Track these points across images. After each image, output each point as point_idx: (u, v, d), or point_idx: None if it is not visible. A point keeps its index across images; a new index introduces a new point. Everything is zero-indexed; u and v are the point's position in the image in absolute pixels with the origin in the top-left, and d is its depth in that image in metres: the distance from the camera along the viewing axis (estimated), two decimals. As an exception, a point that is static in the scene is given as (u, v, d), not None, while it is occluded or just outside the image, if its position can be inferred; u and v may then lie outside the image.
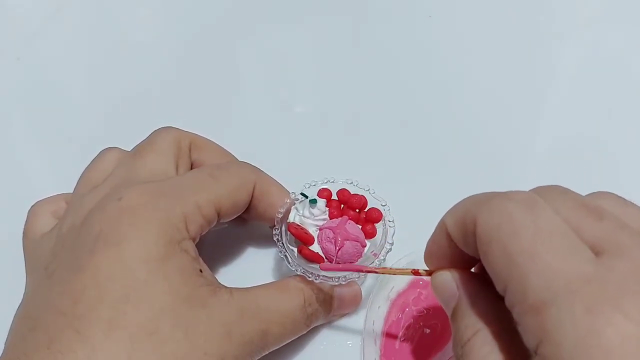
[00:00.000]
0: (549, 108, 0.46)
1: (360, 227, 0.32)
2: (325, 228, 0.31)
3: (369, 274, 0.34)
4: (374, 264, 0.30)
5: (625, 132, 0.43)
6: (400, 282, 0.34)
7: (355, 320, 0.34)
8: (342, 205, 0.33)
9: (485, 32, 0.51)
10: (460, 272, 0.24)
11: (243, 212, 0.33)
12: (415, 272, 0.27)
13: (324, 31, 0.52)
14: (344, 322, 0.34)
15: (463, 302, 0.23)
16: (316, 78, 0.49)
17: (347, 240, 0.30)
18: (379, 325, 0.33)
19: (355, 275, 0.31)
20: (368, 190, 0.33)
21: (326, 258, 0.31)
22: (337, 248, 0.30)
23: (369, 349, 0.32)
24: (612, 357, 0.16)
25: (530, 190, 0.22)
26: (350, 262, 0.30)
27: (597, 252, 0.19)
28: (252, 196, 0.32)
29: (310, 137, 0.44)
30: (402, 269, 0.28)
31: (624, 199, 0.22)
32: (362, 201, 0.32)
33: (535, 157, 0.43)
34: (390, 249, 0.31)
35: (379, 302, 0.33)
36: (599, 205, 0.21)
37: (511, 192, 0.21)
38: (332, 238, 0.30)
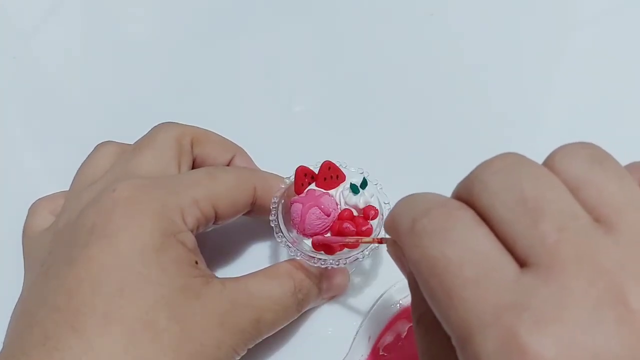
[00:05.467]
0: (554, 105, 0.45)
1: (336, 202, 0.32)
2: (296, 202, 0.31)
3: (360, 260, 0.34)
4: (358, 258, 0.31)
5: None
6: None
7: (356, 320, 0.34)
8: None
9: (486, 30, 0.50)
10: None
11: (248, 212, 0.33)
12: (380, 241, 0.27)
13: (324, 30, 0.51)
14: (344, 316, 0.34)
15: (410, 281, 0.23)
16: (316, 77, 0.48)
17: (314, 206, 0.30)
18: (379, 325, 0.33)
19: (359, 256, 0.31)
20: (376, 184, 0.33)
21: (294, 228, 0.31)
22: (301, 218, 0.30)
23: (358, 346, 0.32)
24: None
25: (470, 177, 0.20)
26: (317, 234, 0.31)
27: (527, 264, 0.17)
28: (255, 197, 0.32)
29: (309, 136, 0.43)
30: (368, 238, 0.29)
31: (597, 157, 0.19)
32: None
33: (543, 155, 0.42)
34: (378, 247, 0.31)
35: (387, 303, 0.33)
36: (540, 198, 0.18)
37: (431, 210, 0.20)
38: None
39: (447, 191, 0.23)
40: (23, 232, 0.33)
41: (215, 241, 0.36)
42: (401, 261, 0.24)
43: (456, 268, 0.18)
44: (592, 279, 0.16)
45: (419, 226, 0.19)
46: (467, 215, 0.19)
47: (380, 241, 0.27)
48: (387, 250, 0.25)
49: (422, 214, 0.20)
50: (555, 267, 0.17)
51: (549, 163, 0.19)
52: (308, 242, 0.31)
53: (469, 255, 0.18)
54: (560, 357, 0.15)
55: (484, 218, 0.19)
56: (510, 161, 0.19)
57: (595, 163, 0.19)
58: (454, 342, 0.18)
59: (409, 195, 0.22)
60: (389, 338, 0.32)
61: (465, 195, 0.20)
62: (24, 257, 0.32)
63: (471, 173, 0.20)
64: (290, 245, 0.30)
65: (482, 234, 0.18)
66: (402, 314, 0.33)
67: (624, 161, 0.20)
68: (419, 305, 0.22)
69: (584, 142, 0.20)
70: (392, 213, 0.22)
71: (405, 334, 0.33)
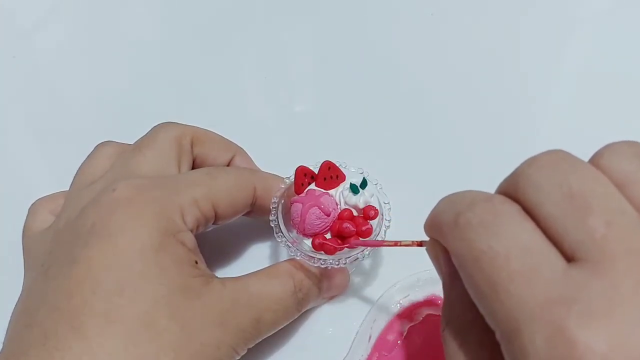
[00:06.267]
0: (554, 105, 0.45)
1: (336, 202, 0.32)
2: (296, 202, 0.31)
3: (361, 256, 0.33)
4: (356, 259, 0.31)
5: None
6: (417, 293, 0.34)
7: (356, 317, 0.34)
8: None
9: (486, 30, 0.50)
10: (444, 250, 0.23)
11: (248, 212, 0.33)
12: (419, 244, 0.26)
13: (324, 29, 0.51)
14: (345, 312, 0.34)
15: (445, 283, 0.23)
16: (316, 77, 0.48)
17: (314, 206, 0.30)
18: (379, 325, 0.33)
19: (358, 256, 0.31)
20: (376, 184, 0.33)
21: (294, 228, 0.31)
22: (301, 218, 0.30)
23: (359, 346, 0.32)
24: None
25: (516, 173, 0.20)
26: (317, 234, 0.31)
27: (575, 259, 0.17)
28: (255, 197, 0.32)
29: (309, 136, 0.43)
30: (407, 241, 0.27)
31: None
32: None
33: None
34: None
35: (387, 303, 0.33)
36: (588, 193, 0.18)
37: (475, 204, 0.20)
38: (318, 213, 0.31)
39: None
40: (23, 232, 0.33)
41: (215, 241, 0.36)
42: (439, 262, 0.23)
43: (503, 261, 0.18)
44: None
45: (463, 220, 0.20)
46: (513, 210, 0.19)
47: (420, 244, 0.26)
48: (426, 251, 0.25)
49: (466, 208, 0.20)
50: (605, 262, 0.17)
51: (595, 161, 0.19)
52: (308, 242, 0.31)
53: (516, 249, 0.18)
54: (611, 352, 0.15)
55: (530, 213, 0.19)
56: (557, 157, 0.20)
57: (637, 161, 0.19)
58: (498, 336, 0.18)
59: (450, 195, 0.22)
60: (389, 338, 0.32)
61: (511, 190, 0.20)
62: (24, 257, 0.32)
63: (516, 169, 0.20)
64: (290, 245, 0.30)
65: (529, 228, 0.19)
66: (402, 314, 0.33)
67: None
68: (451, 307, 0.22)
69: (630, 140, 0.20)
70: (433, 212, 0.22)
71: (405, 334, 0.33)
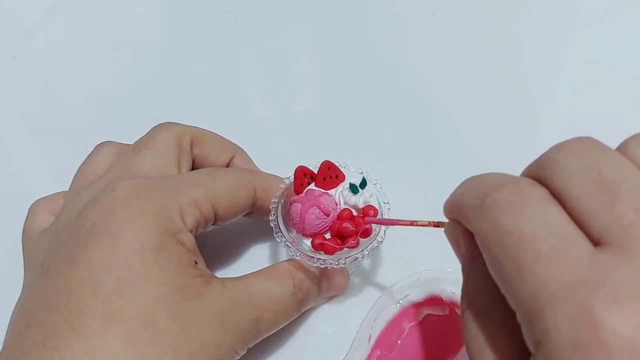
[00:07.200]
0: (554, 105, 0.45)
1: (336, 203, 0.32)
2: (295, 201, 0.31)
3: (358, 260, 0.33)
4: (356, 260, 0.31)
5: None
6: (417, 293, 0.33)
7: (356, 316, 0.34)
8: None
9: (486, 30, 0.50)
10: (464, 232, 0.23)
11: (248, 213, 0.33)
12: (436, 224, 0.26)
13: (324, 29, 0.51)
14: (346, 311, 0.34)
15: (465, 265, 0.23)
16: (316, 77, 0.48)
17: (313, 206, 0.30)
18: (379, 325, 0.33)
19: (358, 256, 0.31)
20: (376, 184, 0.33)
21: (293, 228, 0.31)
22: (301, 218, 0.30)
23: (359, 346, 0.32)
24: None
25: (544, 157, 0.20)
26: (317, 234, 0.31)
27: (602, 244, 0.18)
28: (256, 198, 0.32)
29: (309, 136, 0.43)
30: (423, 221, 0.28)
31: None
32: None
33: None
34: (378, 246, 0.31)
35: (387, 304, 0.33)
36: (617, 179, 0.18)
37: (502, 185, 0.20)
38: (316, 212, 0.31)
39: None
40: (23, 232, 0.33)
41: (215, 241, 0.36)
42: (458, 244, 0.24)
43: (529, 242, 0.18)
44: None
45: (490, 200, 0.20)
46: (540, 192, 0.19)
47: (437, 224, 0.26)
48: (445, 233, 0.25)
49: (493, 189, 0.20)
50: (632, 247, 0.17)
51: (622, 149, 0.20)
52: (308, 242, 0.31)
53: (543, 230, 0.18)
54: (636, 335, 0.16)
55: (557, 198, 0.19)
56: (585, 144, 0.20)
57: None
58: (519, 318, 0.18)
59: (472, 177, 0.22)
60: (389, 338, 0.32)
61: (538, 174, 0.20)
62: (24, 257, 0.32)
63: (543, 155, 0.20)
64: (290, 245, 0.30)
65: (556, 211, 0.19)
66: (402, 314, 0.33)
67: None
68: (472, 289, 0.22)
69: None
70: (455, 194, 0.23)
71: (405, 334, 0.32)
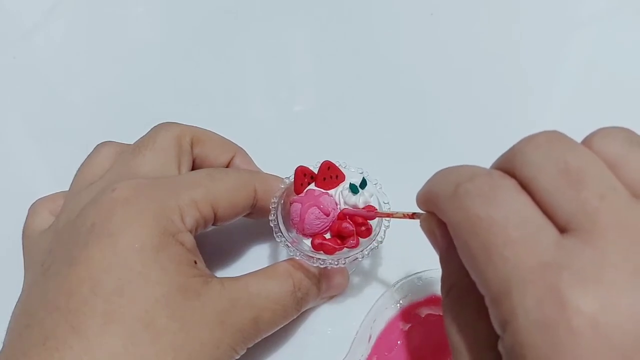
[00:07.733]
0: (554, 105, 0.46)
1: (336, 202, 0.32)
2: (295, 201, 0.31)
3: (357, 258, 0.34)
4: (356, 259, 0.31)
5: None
6: (417, 293, 0.34)
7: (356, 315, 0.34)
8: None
9: (486, 30, 0.50)
10: (439, 223, 0.24)
11: (248, 213, 0.33)
12: (411, 216, 0.27)
13: (324, 29, 0.51)
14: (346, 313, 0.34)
15: (442, 255, 0.24)
16: (316, 76, 0.48)
17: (313, 206, 0.30)
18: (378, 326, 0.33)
19: (358, 256, 0.31)
20: (376, 184, 0.33)
21: (293, 228, 0.31)
22: (301, 218, 0.30)
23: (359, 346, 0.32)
24: (559, 355, 0.16)
25: (513, 150, 0.21)
26: (317, 234, 0.31)
27: (568, 230, 0.18)
28: (256, 199, 0.32)
29: (309, 136, 0.43)
30: (399, 213, 0.29)
31: (635, 139, 0.20)
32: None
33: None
34: (378, 246, 0.31)
35: (387, 304, 0.33)
36: (582, 169, 0.19)
37: (475, 176, 0.21)
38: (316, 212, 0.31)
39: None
40: (23, 232, 0.33)
41: (215, 241, 0.36)
42: (434, 235, 0.24)
43: (500, 228, 0.19)
44: (631, 246, 0.17)
45: (462, 190, 0.20)
46: (510, 184, 0.20)
47: (412, 216, 0.27)
48: (420, 226, 0.25)
49: (466, 180, 0.21)
50: (596, 231, 0.18)
51: (587, 143, 0.20)
52: (307, 242, 0.31)
53: (513, 217, 0.19)
54: (599, 314, 0.16)
55: (526, 188, 0.20)
56: (552, 137, 0.21)
57: (633, 144, 0.20)
58: (487, 301, 0.19)
59: (444, 169, 0.23)
60: (389, 338, 0.32)
61: (507, 166, 0.21)
62: (23, 257, 0.32)
63: (513, 147, 0.21)
64: (290, 245, 0.30)
65: (525, 200, 0.19)
66: (402, 314, 0.33)
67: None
68: (449, 276, 0.23)
69: (620, 126, 0.21)
70: (428, 185, 0.23)
71: (405, 334, 0.33)
